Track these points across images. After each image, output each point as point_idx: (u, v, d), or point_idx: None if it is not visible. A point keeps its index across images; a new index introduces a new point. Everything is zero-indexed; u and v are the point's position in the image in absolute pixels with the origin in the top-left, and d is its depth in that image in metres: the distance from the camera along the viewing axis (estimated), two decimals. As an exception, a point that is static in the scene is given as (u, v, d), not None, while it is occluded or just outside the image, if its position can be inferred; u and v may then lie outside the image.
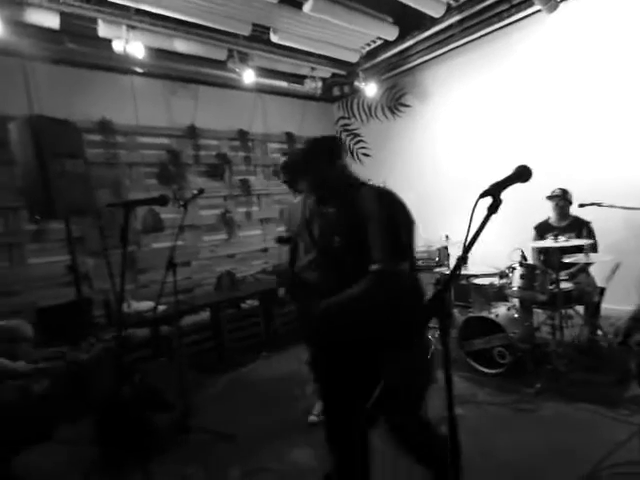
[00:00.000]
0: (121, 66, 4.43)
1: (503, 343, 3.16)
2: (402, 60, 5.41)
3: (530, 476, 2.05)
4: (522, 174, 1.00)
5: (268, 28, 4.23)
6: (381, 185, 1.70)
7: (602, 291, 3.42)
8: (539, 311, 3.58)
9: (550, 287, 3.14)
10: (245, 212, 5.75)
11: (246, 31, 4.09)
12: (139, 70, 4.63)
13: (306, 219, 1.78)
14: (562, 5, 4.09)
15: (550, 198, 3.59)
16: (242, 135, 5.73)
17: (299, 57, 4.97)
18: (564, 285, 3.18)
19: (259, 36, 4.40)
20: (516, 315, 3.36)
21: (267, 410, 3.07)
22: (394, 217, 1.52)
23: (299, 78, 5.55)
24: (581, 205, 3.35)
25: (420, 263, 4.46)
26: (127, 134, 4.71)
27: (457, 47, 5.04)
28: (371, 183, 1.69)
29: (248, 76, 4.69)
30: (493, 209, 0.95)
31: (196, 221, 5.21)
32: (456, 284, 4.31)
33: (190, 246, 5.15)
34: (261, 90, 5.74)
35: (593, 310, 3.35)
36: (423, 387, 1.56)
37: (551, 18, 4.34)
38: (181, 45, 4.17)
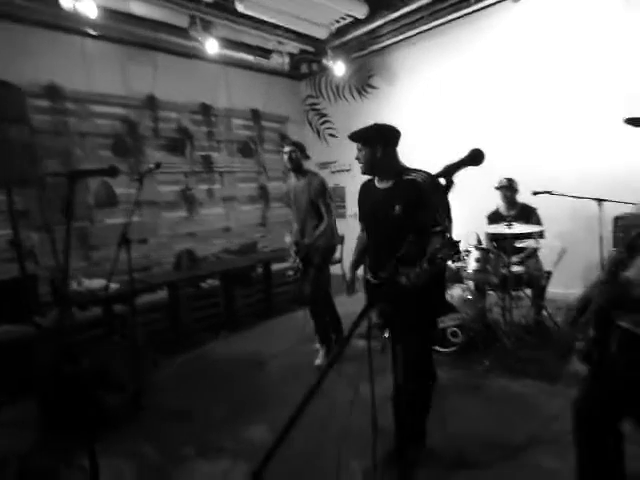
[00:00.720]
0: (72, 26, 4.10)
1: (456, 323, 3.29)
2: (371, 40, 5.35)
3: (473, 445, 2.17)
4: (475, 157, 1.01)
5: (234, -5, 4.03)
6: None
7: (549, 275, 3.62)
8: (492, 293, 3.76)
9: (502, 270, 3.28)
10: (207, 189, 5.58)
11: (209, -3, 3.88)
12: (92, 32, 4.31)
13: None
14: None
15: (498, 188, 3.71)
16: (205, 109, 5.51)
17: (266, 29, 4.80)
18: (515, 269, 3.34)
19: (224, 4, 4.20)
20: (470, 296, 3.50)
21: (224, 389, 3.06)
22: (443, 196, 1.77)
23: (266, 52, 5.38)
24: (535, 193, 3.51)
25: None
26: (78, 101, 4.40)
27: (426, 30, 5.04)
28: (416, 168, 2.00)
29: (211, 46, 4.48)
30: (446, 190, 0.96)
31: (155, 197, 5.01)
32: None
33: (148, 223, 4.96)
34: (226, 62, 5.52)
35: (540, 293, 3.55)
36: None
37: (517, 8, 4.41)
38: (138, 7, 3.91)
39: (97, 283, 3.60)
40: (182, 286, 4.22)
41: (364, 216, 2.21)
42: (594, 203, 3.18)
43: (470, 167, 1.02)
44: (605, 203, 3.18)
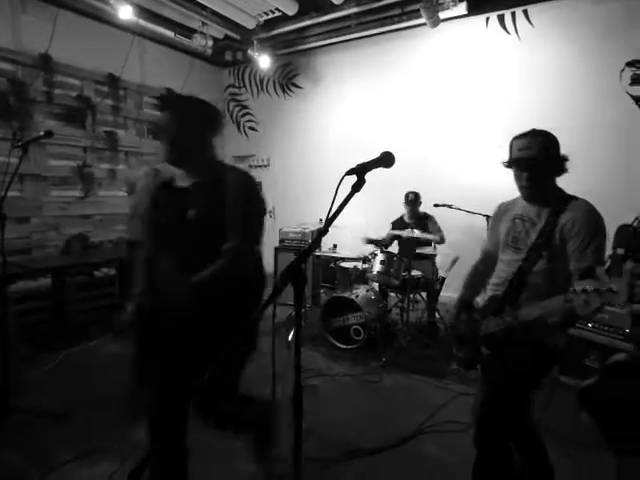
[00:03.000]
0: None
1: (359, 321, 3.44)
2: (299, 39, 5.37)
3: (361, 437, 2.28)
4: (385, 159, 1.06)
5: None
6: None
7: (443, 280, 3.98)
8: (393, 294, 4.01)
9: (403, 273, 3.52)
10: (108, 169, 5.06)
11: (127, -42, 3.54)
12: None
13: None
14: (444, 26, 4.53)
15: (407, 203, 3.98)
16: (112, 80, 5.00)
17: (190, 7, 4.52)
18: (414, 272, 3.61)
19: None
20: (373, 297, 3.69)
21: (110, 387, 2.76)
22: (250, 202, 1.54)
23: (188, 31, 5.07)
24: (436, 205, 3.85)
25: (293, 244, 4.56)
26: (-51, 47, 3.69)
27: (353, 39, 5.22)
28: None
29: (125, 12, 4.09)
30: (357, 187, 0.99)
31: (43, 171, 4.40)
32: (325, 267, 4.54)
33: (31, 199, 4.33)
34: (142, 34, 5.08)
35: (434, 296, 3.89)
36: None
37: (435, 36, 4.79)
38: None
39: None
40: (71, 274, 3.76)
41: (150, 225, 1.70)
42: (482, 218, 3.58)
43: (381, 168, 1.07)
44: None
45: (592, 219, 1.40)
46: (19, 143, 2.27)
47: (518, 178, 1.51)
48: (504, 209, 1.72)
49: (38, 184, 4.37)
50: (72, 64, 4.57)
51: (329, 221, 0.97)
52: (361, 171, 1.01)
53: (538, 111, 4.29)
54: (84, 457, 2.07)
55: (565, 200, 1.48)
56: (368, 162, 1.03)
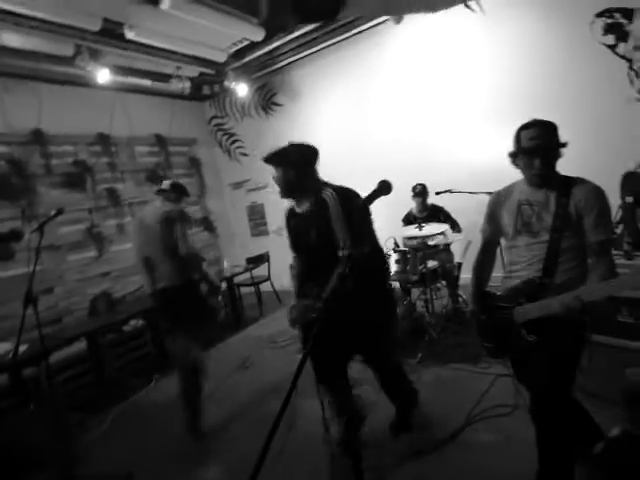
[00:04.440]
0: None
1: (387, 323, 3.49)
2: (271, 60, 5.47)
3: (417, 438, 2.32)
4: (384, 189, 1.13)
5: (123, 24, 3.85)
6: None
7: (459, 265, 4.01)
8: (414, 290, 4.05)
9: (420, 267, 3.57)
10: (116, 224, 5.21)
11: (96, 26, 3.66)
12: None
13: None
14: (409, 18, 4.59)
15: (414, 196, 4.03)
16: (103, 139, 5.16)
17: (160, 55, 4.65)
18: (430, 264, 3.64)
19: (112, 32, 3.98)
20: (396, 296, 3.73)
21: (165, 437, 2.85)
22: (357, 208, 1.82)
23: (164, 77, 5.20)
24: (437, 193, 3.89)
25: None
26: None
27: (322, 49, 5.31)
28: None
29: (102, 75, 4.23)
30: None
31: (56, 240, 4.54)
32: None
33: (51, 270, 4.47)
34: (121, 89, 5.23)
35: (454, 283, 3.92)
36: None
37: (402, 28, 4.85)
38: (12, 39, 3.55)
39: (1, 347, 3.17)
40: (102, 333, 3.88)
41: (294, 246, 2.15)
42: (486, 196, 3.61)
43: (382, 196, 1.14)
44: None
45: (599, 196, 1.53)
46: (37, 227, 2.37)
47: (529, 166, 1.59)
48: (503, 197, 1.77)
49: (54, 254, 4.52)
50: (63, 133, 4.73)
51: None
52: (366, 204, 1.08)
53: (514, 82, 4.33)
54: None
55: (566, 181, 1.59)
56: (368, 196, 1.10)
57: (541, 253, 1.60)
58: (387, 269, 2.17)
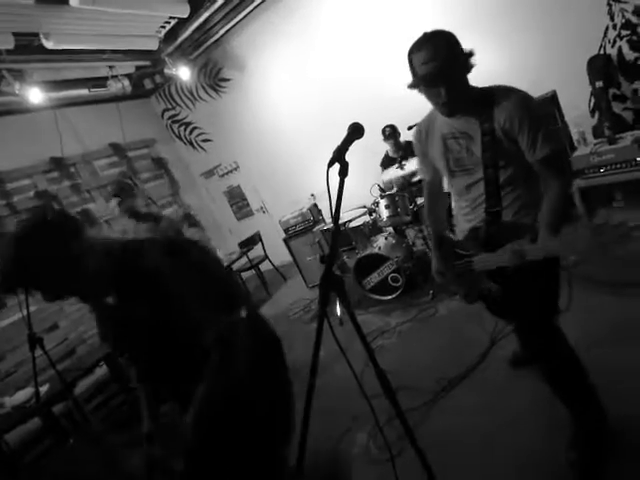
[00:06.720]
0: None
1: (392, 269, 3.50)
2: (205, 34, 5.15)
3: (448, 369, 2.37)
4: (355, 131, 1.05)
5: (37, 34, 3.55)
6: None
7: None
8: (409, 230, 4.04)
9: (411, 207, 3.53)
10: (100, 244, 5.06)
11: (9, 44, 3.38)
12: None
13: None
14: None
15: (386, 139, 3.93)
16: (57, 163, 4.92)
17: (89, 58, 4.35)
18: (420, 201, 3.61)
19: (30, 45, 3.68)
20: (394, 241, 3.72)
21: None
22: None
23: (101, 80, 4.89)
24: (409, 127, 3.75)
25: (298, 228, 4.57)
26: None
27: (255, 8, 4.98)
28: None
29: (34, 95, 3.96)
30: (343, 173, 0.99)
31: (44, 276, 4.42)
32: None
33: (48, 307, 4.37)
34: (61, 105, 4.93)
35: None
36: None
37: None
38: None
39: (21, 395, 3.14)
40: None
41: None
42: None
43: (356, 140, 1.06)
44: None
45: (526, 107, 1.27)
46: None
47: (433, 95, 1.31)
48: (424, 133, 1.53)
49: (46, 290, 4.41)
50: (14, 167, 4.49)
51: (336, 218, 0.98)
52: (339, 155, 1.01)
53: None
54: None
55: (486, 98, 1.32)
56: (341, 144, 1.02)
57: (482, 192, 1.40)
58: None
